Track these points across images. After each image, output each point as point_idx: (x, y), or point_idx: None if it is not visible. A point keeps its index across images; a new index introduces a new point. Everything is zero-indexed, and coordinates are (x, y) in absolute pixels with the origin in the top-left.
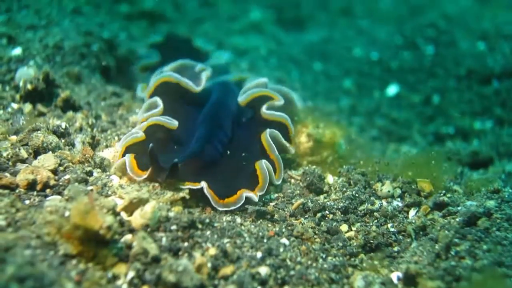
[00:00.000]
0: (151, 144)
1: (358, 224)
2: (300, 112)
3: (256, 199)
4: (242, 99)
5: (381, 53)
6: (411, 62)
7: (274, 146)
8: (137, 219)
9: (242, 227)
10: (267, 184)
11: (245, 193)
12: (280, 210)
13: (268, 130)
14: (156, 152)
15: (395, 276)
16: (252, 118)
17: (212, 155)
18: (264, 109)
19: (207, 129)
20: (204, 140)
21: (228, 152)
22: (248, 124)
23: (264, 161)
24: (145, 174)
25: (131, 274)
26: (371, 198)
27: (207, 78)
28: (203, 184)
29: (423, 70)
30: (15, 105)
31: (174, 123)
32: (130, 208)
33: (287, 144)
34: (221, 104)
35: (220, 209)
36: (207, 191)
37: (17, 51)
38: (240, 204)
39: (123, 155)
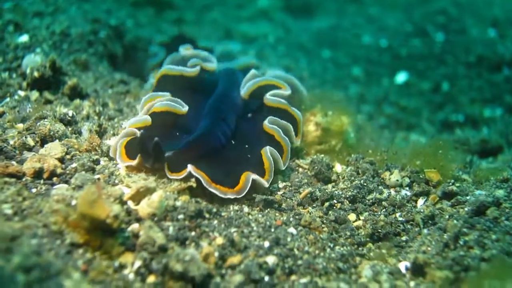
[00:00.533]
0: (141, 131)
1: (366, 213)
2: (307, 100)
3: (265, 184)
4: (244, 91)
5: (390, 40)
6: (421, 49)
7: (280, 130)
8: (144, 208)
9: (250, 216)
10: (273, 170)
11: (251, 175)
12: (288, 199)
13: (271, 117)
14: (147, 139)
15: (403, 265)
16: (258, 109)
17: (212, 144)
18: (268, 95)
19: (210, 121)
20: (205, 129)
21: (233, 142)
22: (253, 115)
23: (269, 147)
24: (133, 162)
25: (138, 263)
26: (380, 187)
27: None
28: (190, 167)
29: (432, 57)
30: (22, 93)
31: (183, 108)
32: (137, 197)
33: (293, 135)
34: (225, 96)
35: (225, 196)
36: (195, 173)
37: (24, 38)
38: (248, 187)
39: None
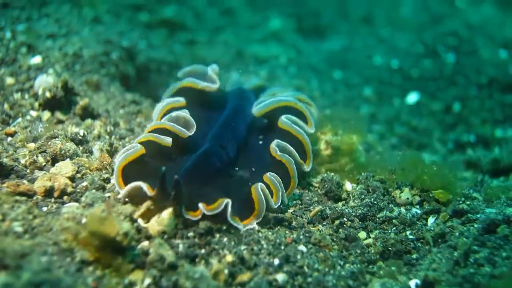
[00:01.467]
0: (163, 167)
1: (377, 231)
2: (317, 120)
3: (240, 226)
4: (258, 109)
5: (401, 61)
6: (432, 70)
7: (296, 127)
8: (154, 225)
9: (260, 233)
10: (263, 212)
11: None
12: (298, 217)
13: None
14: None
15: (413, 283)
16: (267, 128)
17: (209, 168)
18: (283, 117)
19: (207, 146)
20: (200, 156)
21: (236, 168)
22: (264, 138)
23: (260, 184)
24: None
25: (148, 281)
26: (390, 205)
27: (217, 74)
28: (202, 207)
29: (443, 78)
30: (34, 113)
31: (186, 133)
32: (147, 215)
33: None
34: (232, 117)
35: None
36: (208, 211)
37: (37, 59)
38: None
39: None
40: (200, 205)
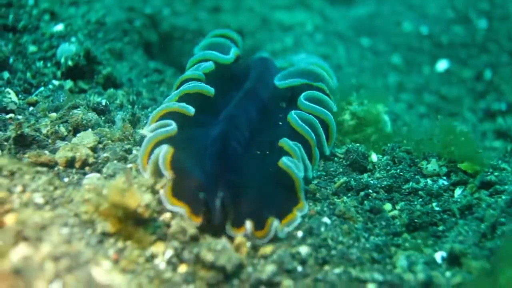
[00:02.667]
0: (202, 194)
1: (402, 203)
2: (339, 90)
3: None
4: (282, 84)
5: (431, 27)
6: (463, 37)
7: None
8: None
9: None
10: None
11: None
12: (322, 189)
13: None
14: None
15: (439, 255)
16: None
17: (229, 157)
18: (304, 99)
19: (222, 129)
20: (219, 144)
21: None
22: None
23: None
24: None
25: (170, 253)
26: (416, 176)
27: (235, 53)
28: (248, 227)
29: (475, 45)
30: (56, 82)
31: (211, 91)
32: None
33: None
34: (241, 105)
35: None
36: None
37: (59, 27)
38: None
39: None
40: (248, 225)
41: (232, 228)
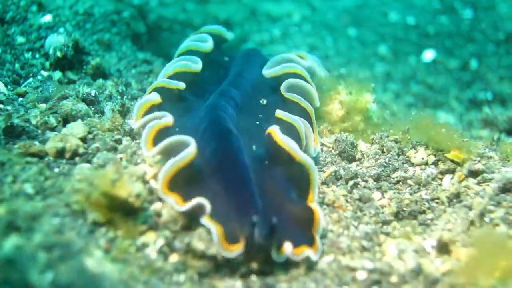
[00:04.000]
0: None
1: (391, 191)
2: (329, 80)
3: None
4: (269, 73)
5: (417, 17)
6: (449, 27)
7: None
8: None
9: None
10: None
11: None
12: None
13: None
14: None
15: (428, 243)
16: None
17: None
18: (285, 89)
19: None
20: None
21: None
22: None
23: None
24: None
25: (160, 242)
26: (405, 165)
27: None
28: (288, 249)
29: (460, 35)
30: (45, 73)
31: (198, 67)
32: None
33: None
34: (225, 95)
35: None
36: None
37: (47, 18)
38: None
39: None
40: (288, 246)
41: (277, 252)
